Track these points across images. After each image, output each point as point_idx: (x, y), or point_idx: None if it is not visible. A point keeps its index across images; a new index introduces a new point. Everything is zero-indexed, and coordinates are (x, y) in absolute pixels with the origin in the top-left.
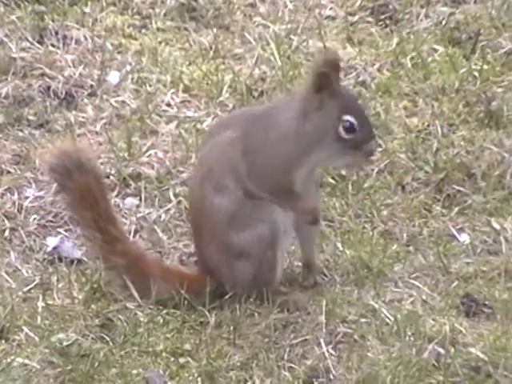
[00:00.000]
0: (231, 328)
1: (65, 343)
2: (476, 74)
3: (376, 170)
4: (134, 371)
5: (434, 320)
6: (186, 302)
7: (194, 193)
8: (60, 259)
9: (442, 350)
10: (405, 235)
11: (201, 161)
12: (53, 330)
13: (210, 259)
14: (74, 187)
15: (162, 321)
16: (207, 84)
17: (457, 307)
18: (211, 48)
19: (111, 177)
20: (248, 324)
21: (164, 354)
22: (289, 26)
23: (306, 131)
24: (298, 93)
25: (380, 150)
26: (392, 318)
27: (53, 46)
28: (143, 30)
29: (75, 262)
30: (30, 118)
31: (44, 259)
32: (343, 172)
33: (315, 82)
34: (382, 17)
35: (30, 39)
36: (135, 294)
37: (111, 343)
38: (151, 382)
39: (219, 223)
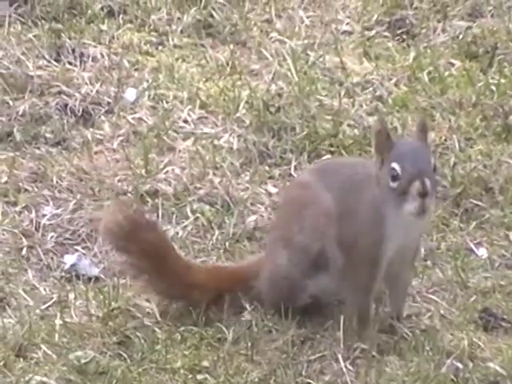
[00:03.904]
0: (249, 344)
1: (83, 361)
2: (493, 87)
3: None
4: None
5: (452, 335)
6: (203, 318)
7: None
8: (77, 277)
9: (460, 365)
10: (423, 250)
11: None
12: (70, 347)
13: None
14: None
15: (179, 338)
16: (224, 100)
17: (475, 322)
18: (228, 64)
19: (128, 194)
20: (266, 340)
21: (182, 371)
22: (305, 41)
23: (377, 194)
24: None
25: None
26: (410, 333)
27: (70, 63)
28: (160, 47)
29: (93, 279)
30: (48, 135)
31: (61, 277)
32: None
33: (374, 142)
34: (399, 31)
35: (46, 57)
36: (155, 310)
37: (129, 360)
38: None
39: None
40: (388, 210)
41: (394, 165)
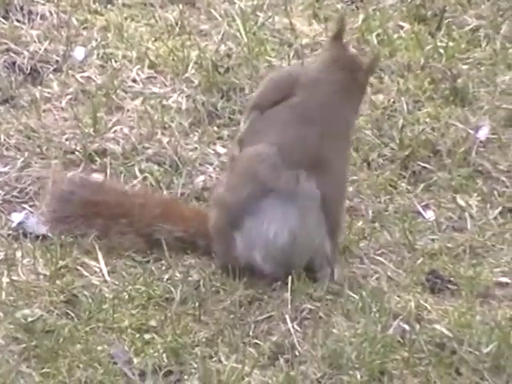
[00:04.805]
0: (196, 304)
1: (29, 319)
2: (441, 51)
3: None
4: (99, 347)
5: (399, 296)
6: (151, 278)
7: None
8: (25, 235)
9: (406, 327)
10: (370, 212)
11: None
12: (17, 305)
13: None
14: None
15: (127, 297)
16: (173, 60)
17: (422, 284)
18: (177, 24)
19: (76, 153)
20: (213, 300)
21: (129, 331)
22: (255, 2)
23: None
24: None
25: None
26: (357, 295)
27: (18, 21)
28: (109, 6)
29: (40, 237)
30: None
31: (9, 235)
32: None
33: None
34: None
35: None
36: (104, 270)
37: (76, 319)
38: (116, 358)
39: None
40: None
41: None
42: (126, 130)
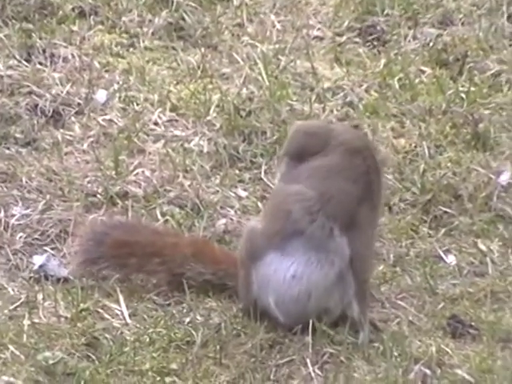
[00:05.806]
0: (217, 347)
1: (51, 362)
2: (463, 95)
3: None
4: None
5: (420, 341)
6: (172, 321)
7: None
8: (46, 277)
9: (428, 371)
10: (392, 256)
11: None
12: (39, 348)
13: None
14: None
15: (148, 340)
16: (195, 103)
17: (443, 328)
18: (199, 67)
19: (98, 195)
20: (234, 344)
21: (150, 374)
22: (277, 46)
23: None
24: None
25: None
26: (378, 339)
27: (40, 64)
28: (131, 49)
29: (61, 280)
30: (17, 135)
31: (30, 277)
32: None
33: None
34: (370, 38)
35: (17, 57)
36: (125, 312)
37: (97, 362)
38: None
39: None
40: None
41: None
42: (147, 173)
